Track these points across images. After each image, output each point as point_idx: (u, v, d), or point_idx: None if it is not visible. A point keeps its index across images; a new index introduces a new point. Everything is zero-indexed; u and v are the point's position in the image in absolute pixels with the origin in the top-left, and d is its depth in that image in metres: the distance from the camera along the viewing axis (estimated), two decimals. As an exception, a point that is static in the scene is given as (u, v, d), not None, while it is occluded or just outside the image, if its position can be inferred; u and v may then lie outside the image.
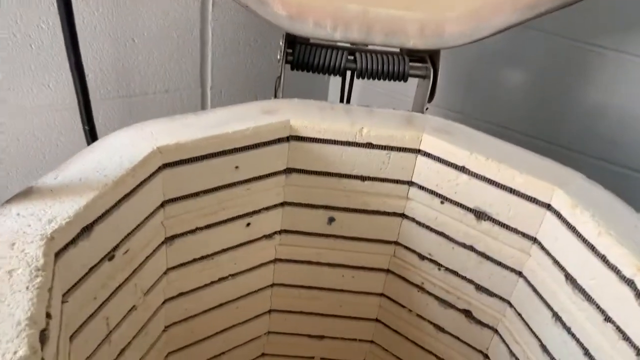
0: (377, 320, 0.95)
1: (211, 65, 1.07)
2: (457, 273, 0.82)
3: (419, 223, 0.82)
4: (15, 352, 0.40)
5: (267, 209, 0.81)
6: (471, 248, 0.78)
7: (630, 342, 0.58)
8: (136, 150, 0.65)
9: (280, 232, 0.85)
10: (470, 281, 0.81)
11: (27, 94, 0.83)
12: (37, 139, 0.90)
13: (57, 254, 0.52)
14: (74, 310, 0.57)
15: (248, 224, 0.81)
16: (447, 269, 0.82)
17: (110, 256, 0.61)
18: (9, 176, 0.94)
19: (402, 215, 0.83)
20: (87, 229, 0.56)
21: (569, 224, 0.66)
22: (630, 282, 0.58)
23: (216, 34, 1.04)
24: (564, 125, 1.05)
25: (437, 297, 0.85)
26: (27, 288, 0.45)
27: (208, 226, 0.76)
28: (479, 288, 0.80)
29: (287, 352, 1.00)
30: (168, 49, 1.02)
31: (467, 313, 0.83)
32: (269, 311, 0.94)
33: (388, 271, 0.89)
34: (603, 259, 0.61)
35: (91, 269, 0.58)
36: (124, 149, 0.65)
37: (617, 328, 0.60)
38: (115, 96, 0.96)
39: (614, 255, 0.60)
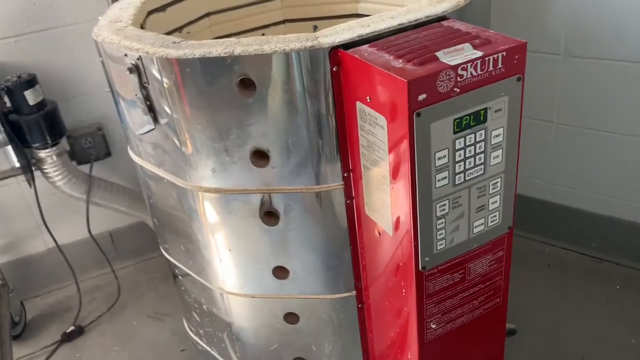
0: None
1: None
2: (393, 41, 1.28)
3: (366, 16, 1.30)
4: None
5: (274, 24, 1.35)
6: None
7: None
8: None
9: (287, 43, 1.38)
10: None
11: None
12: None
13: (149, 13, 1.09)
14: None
15: (263, 34, 1.34)
16: (387, 41, 1.29)
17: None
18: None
19: (357, 15, 1.32)
20: (161, 8, 1.13)
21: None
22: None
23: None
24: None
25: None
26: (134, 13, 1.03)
27: (238, 33, 1.31)
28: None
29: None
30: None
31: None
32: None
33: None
34: None
35: (168, 32, 1.16)
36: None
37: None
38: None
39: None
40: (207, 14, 1.26)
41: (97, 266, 1.79)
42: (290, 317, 1.02)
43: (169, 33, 1.16)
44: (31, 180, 1.51)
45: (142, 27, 1.01)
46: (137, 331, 1.59)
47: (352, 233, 0.89)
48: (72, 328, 1.59)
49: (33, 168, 1.51)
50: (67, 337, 1.58)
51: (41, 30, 1.51)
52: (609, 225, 1.56)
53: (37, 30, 1.51)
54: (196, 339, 1.24)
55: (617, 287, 1.50)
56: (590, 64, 1.40)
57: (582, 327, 1.40)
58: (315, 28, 1.35)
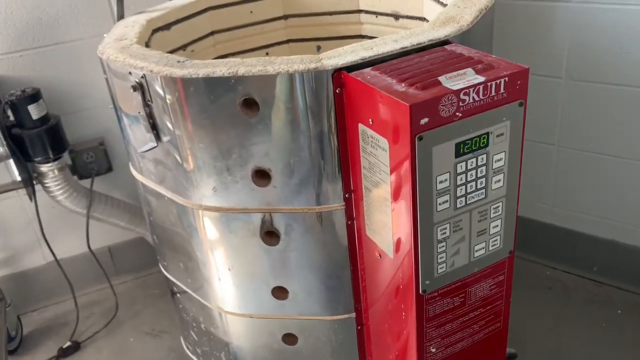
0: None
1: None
2: (396, 62, 1.29)
3: (369, 37, 1.31)
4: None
5: (278, 44, 1.35)
6: (398, 40, 1.26)
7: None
8: (192, 0, 1.23)
9: (291, 62, 1.39)
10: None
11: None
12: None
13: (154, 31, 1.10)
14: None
15: (267, 54, 1.35)
16: (390, 62, 1.30)
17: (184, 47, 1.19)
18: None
19: (360, 36, 1.33)
20: (166, 27, 1.14)
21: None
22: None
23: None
24: None
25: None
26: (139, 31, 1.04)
27: (242, 51, 1.32)
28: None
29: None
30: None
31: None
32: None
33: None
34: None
35: (173, 50, 1.16)
36: None
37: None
38: None
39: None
40: (212, 33, 1.27)
41: (96, 281, 1.78)
42: (289, 338, 1.01)
43: (173, 51, 1.16)
44: (32, 194, 1.51)
45: (147, 45, 1.01)
46: (134, 348, 1.58)
47: (352, 254, 0.89)
48: (68, 343, 1.58)
49: (34, 182, 1.52)
50: (63, 353, 1.56)
51: (46, 46, 1.52)
52: (611, 249, 1.55)
53: (43, 46, 1.52)
54: (193, 357, 1.23)
55: (619, 311, 1.48)
56: (592, 87, 1.40)
57: (583, 352, 1.38)
58: (318, 48, 1.36)
